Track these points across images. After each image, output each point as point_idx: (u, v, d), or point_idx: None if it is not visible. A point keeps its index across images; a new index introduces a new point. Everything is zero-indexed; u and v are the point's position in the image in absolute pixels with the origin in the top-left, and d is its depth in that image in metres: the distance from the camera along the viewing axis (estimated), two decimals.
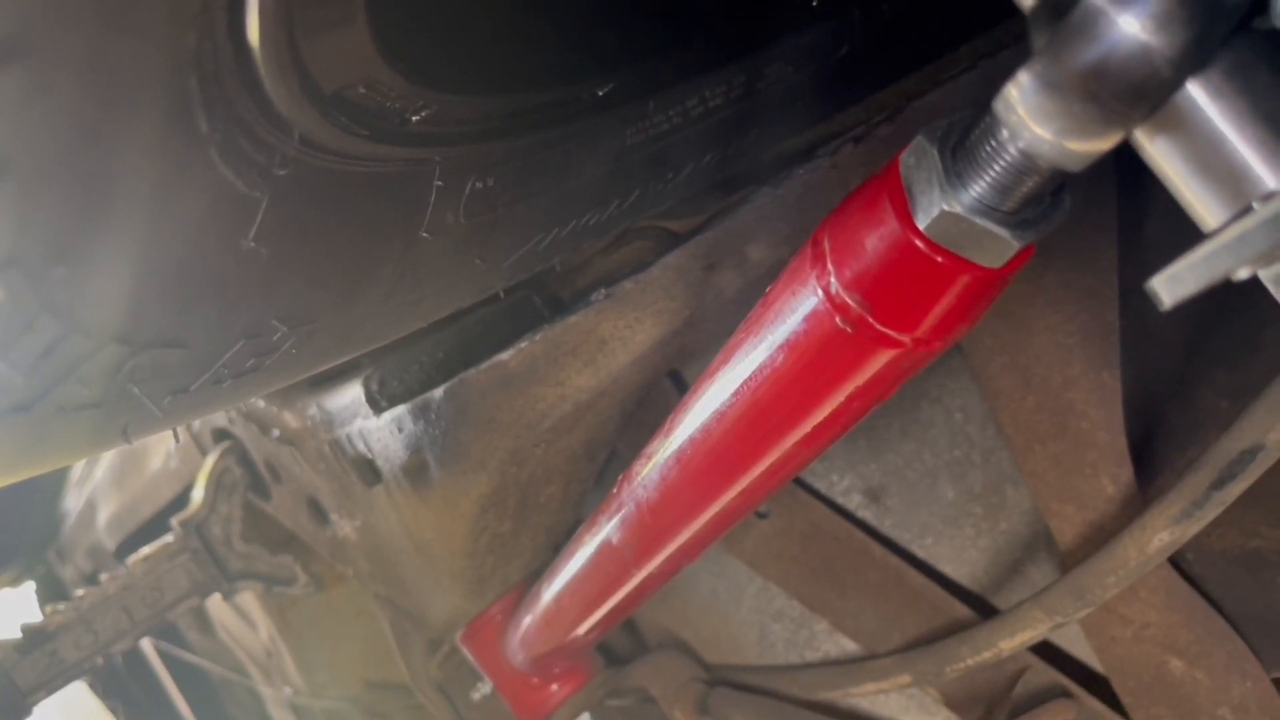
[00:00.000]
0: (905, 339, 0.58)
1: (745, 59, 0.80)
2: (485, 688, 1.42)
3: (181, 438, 1.49)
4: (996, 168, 0.49)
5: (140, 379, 0.53)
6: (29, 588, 2.46)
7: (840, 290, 0.58)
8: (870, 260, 0.56)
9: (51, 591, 2.40)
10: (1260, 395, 0.75)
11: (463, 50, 0.63)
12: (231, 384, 0.61)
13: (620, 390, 1.01)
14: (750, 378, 0.69)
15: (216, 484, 1.38)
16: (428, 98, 0.57)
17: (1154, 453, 0.94)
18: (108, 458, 1.87)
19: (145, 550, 1.40)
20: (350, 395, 1.05)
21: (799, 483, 1.15)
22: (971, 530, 1.09)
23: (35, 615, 1.37)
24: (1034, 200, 0.51)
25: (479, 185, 0.66)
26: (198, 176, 0.47)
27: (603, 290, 0.95)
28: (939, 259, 0.54)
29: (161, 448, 1.63)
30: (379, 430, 1.04)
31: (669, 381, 1.12)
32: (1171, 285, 0.39)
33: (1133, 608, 0.94)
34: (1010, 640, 0.92)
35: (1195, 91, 0.39)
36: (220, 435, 1.38)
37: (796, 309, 0.62)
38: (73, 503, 2.15)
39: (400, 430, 1.02)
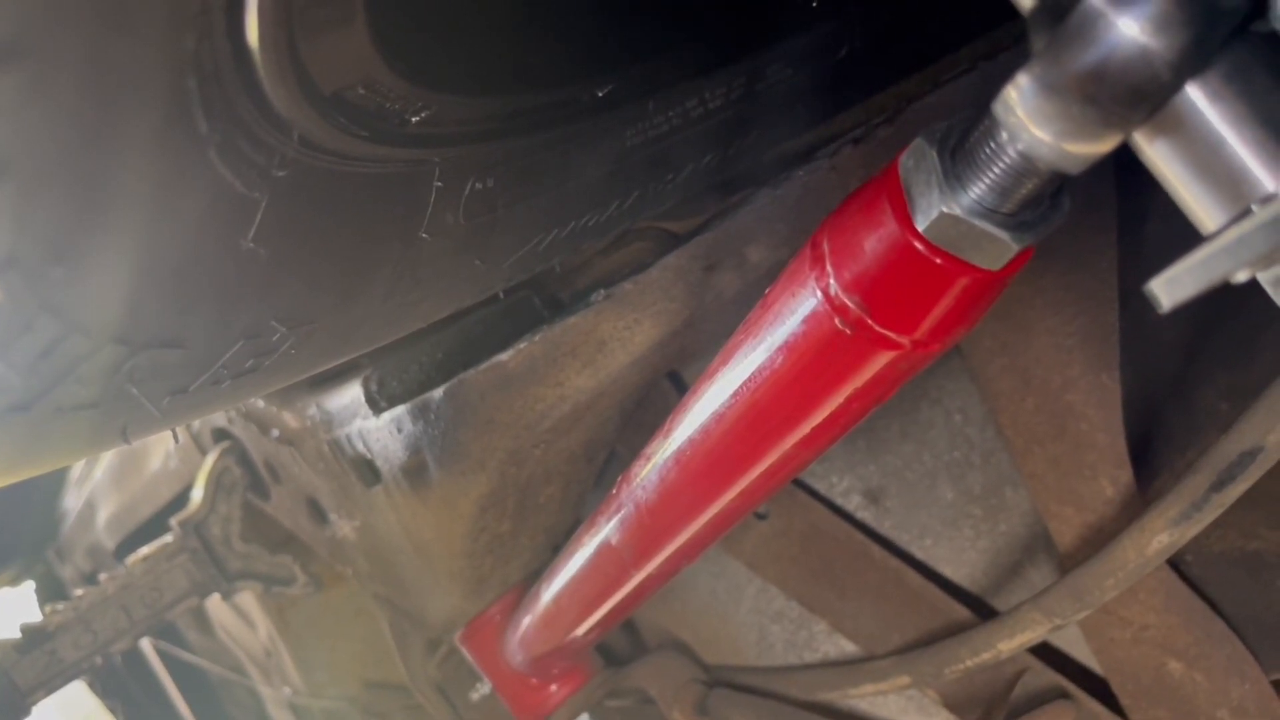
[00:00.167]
0: (904, 341, 0.58)
1: (745, 60, 0.80)
2: (484, 688, 1.42)
3: (181, 438, 1.49)
4: (995, 170, 0.49)
5: (139, 379, 0.53)
6: (28, 587, 2.46)
7: (839, 292, 0.58)
8: (869, 262, 0.56)
9: (51, 591, 2.40)
10: (1260, 397, 0.75)
11: (462, 51, 0.63)
12: (230, 384, 0.61)
13: (619, 391, 1.01)
14: (749, 379, 0.69)
15: (216, 484, 1.38)
16: (427, 98, 0.57)
17: (1153, 454, 0.94)
18: (107, 457, 1.87)
19: (144, 550, 1.40)
20: (350, 395, 1.05)
21: (798, 484, 1.15)
22: (971, 532, 1.09)
23: (34, 615, 1.37)
24: (1033, 202, 0.51)
25: (478, 186, 0.66)
26: (197, 177, 0.47)
27: (602, 291, 0.95)
28: (938, 261, 0.54)
29: (161, 448, 1.63)
30: (378, 430, 1.04)
31: (668, 382, 1.12)
32: (1170, 288, 0.39)
33: (1132, 609, 0.94)
34: (1009, 642, 0.92)
35: (1194, 94, 0.39)
36: (220, 435, 1.38)
37: (796, 310, 0.62)
38: (72, 502, 2.15)
39: (399, 430, 1.02)
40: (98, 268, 0.45)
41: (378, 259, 0.63)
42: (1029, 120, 0.40)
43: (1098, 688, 1.01)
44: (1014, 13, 0.43)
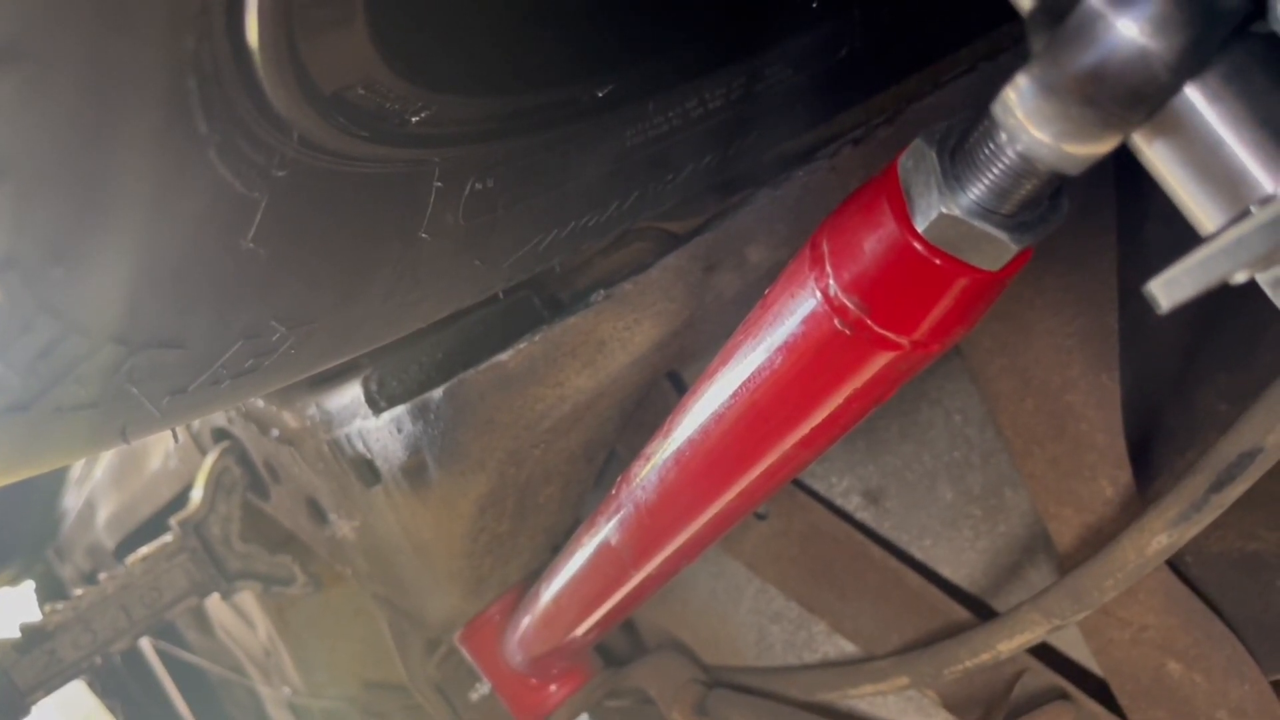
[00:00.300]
0: (903, 341, 0.58)
1: (745, 60, 0.80)
2: (483, 688, 1.42)
3: (181, 437, 1.49)
4: (995, 171, 0.49)
5: (138, 379, 0.53)
6: (28, 586, 2.46)
7: (839, 292, 0.58)
8: (869, 263, 0.56)
9: (50, 590, 2.40)
10: (1259, 398, 0.75)
11: (462, 51, 0.63)
12: (230, 384, 0.61)
13: (619, 391, 1.01)
14: (749, 379, 0.69)
15: (215, 484, 1.38)
16: (427, 99, 0.57)
17: (1153, 455, 0.94)
18: (107, 457, 1.87)
19: (144, 550, 1.40)
20: (349, 395, 1.05)
21: (798, 484, 1.15)
22: (970, 532, 1.09)
23: (34, 614, 1.37)
24: (1032, 203, 0.51)
25: (478, 186, 0.66)
26: (196, 177, 0.47)
27: (602, 291, 0.95)
28: (937, 261, 0.54)
29: (161, 447, 1.63)
30: (378, 430, 1.04)
31: (668, 383, 1.12)
32: (1169, 289, 0.39)
33: (1131, 610, 0.94)
34: (1009, 642, 0.92)
35: (1193, 95, 0.39)
36: (219, 435, 1.38)
37: (795, 311, 0.62)
38: (72, 501, 2.15)
39: (399, 430, 1.02)
40: (97, 268, 0.45)
41: (377, 259, 0.63)
42: (1028, 121, 0.40)
43: (1097, 688, 1.01)
44: (1014, 13, 0.43)
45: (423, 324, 0.76)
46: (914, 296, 0.56)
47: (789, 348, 0.64)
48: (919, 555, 1.12)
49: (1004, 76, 0.40)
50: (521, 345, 0.96)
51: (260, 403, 1.20)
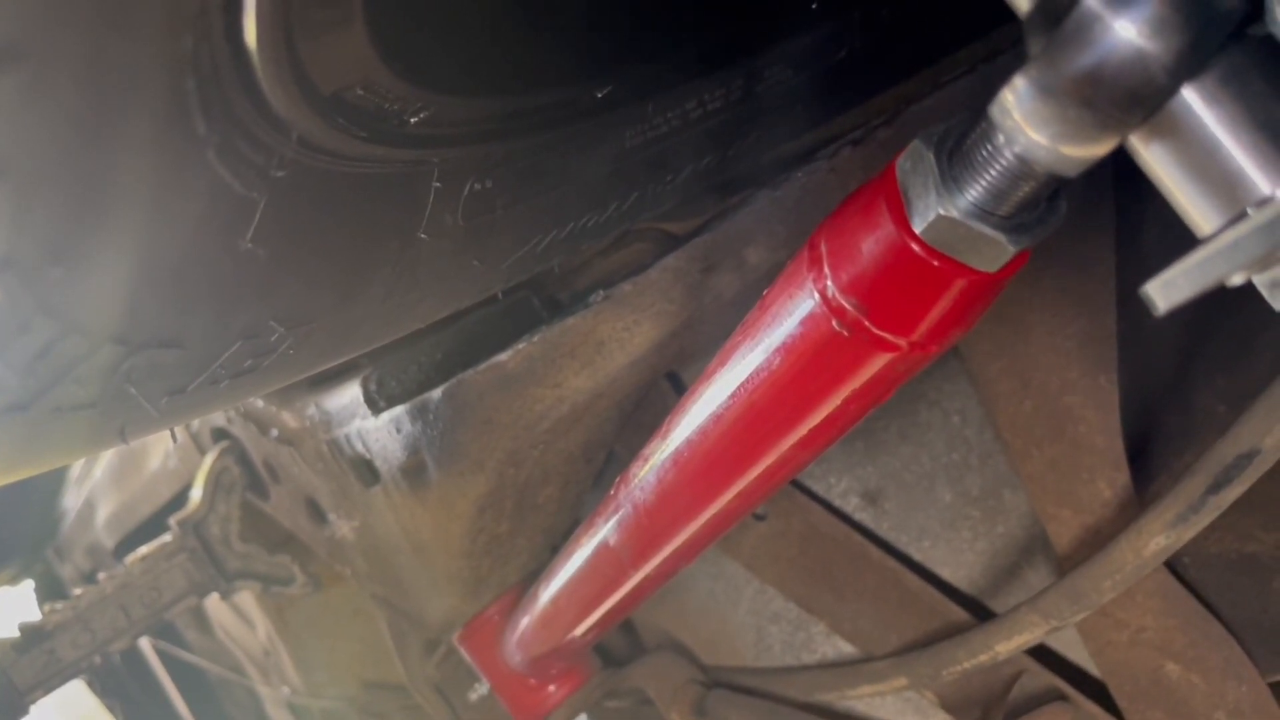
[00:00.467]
0: (901, 343, 0.58)
1: (744, 62, 0.80)
2: (482, 688, 1.42)
3: (180, 437, 1.49)
4: (992, 172, 0.49)
5: (137, 379, 0.53)
6: (27, 586, 2.46)
7: (837, 294, 0.58)
8: (867, 264, 0.56)
9: (50, 590, 2.40)
10: (1257, 400, 0.75)
11: (461, 52, 0.63)
12: (229, 384, 0.61)
13: (618, 392, 1.01)
14: (747, 380, 0.69)
15: (215, 483, 1.38)
16: (426, 99, 0.57)
17: (1151, 457, 0.94)
18: (107, 456, 1.87)
19: (143, 550, 1.40)
20: (349, 395, 1.05)
21: (797, 485, 1.15)
22: (969, 533, 1.09)
23: (33, 614, 1.37)
24: (1030, 205, 0.51)
25: (477, 187, 0.66)
26: (195, 178, 0.47)
27: (601, 292, 0.95)
28: (935, 263, 0.54)
29: (160, 447, 1.63)
30: (377, 431, 1.04)
31: (667, 383, 1.12)
32: (1166, 291, 0.39)
33: (1129, 612, 0.94)
34: (1007, 643, 0.92)
35: (1190, 97, 0.39)
36: (219, 435, 1.39)
37: (793, 312, 0.62)
38: (72, 501, 2.15)
39: (398, 431, 1.02)
40: (96, 268, 0.45)
41: (376, 259, 0.63)
42: (1026, 123, 0.41)
43: (1095, 690, 1.01)
44: (1013, 15, 0.43)
45: (422, 324, 0.76)
46: (912, 298, 0.56)
47: (787, 349, 0.64)
48: (917, 556, 1.12)
49: (1002, 78, 0.41)
50: (520, 346, 0.96)
51: (259, 403, 1.20)
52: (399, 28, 0.54)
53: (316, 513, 1.25)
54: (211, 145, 0.46)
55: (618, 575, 0.98)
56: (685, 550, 0.91)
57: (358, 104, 0.54)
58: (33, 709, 1.33)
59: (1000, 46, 0.94)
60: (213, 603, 1.92)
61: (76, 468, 2.08)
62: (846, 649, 1.18)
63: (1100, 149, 0.40)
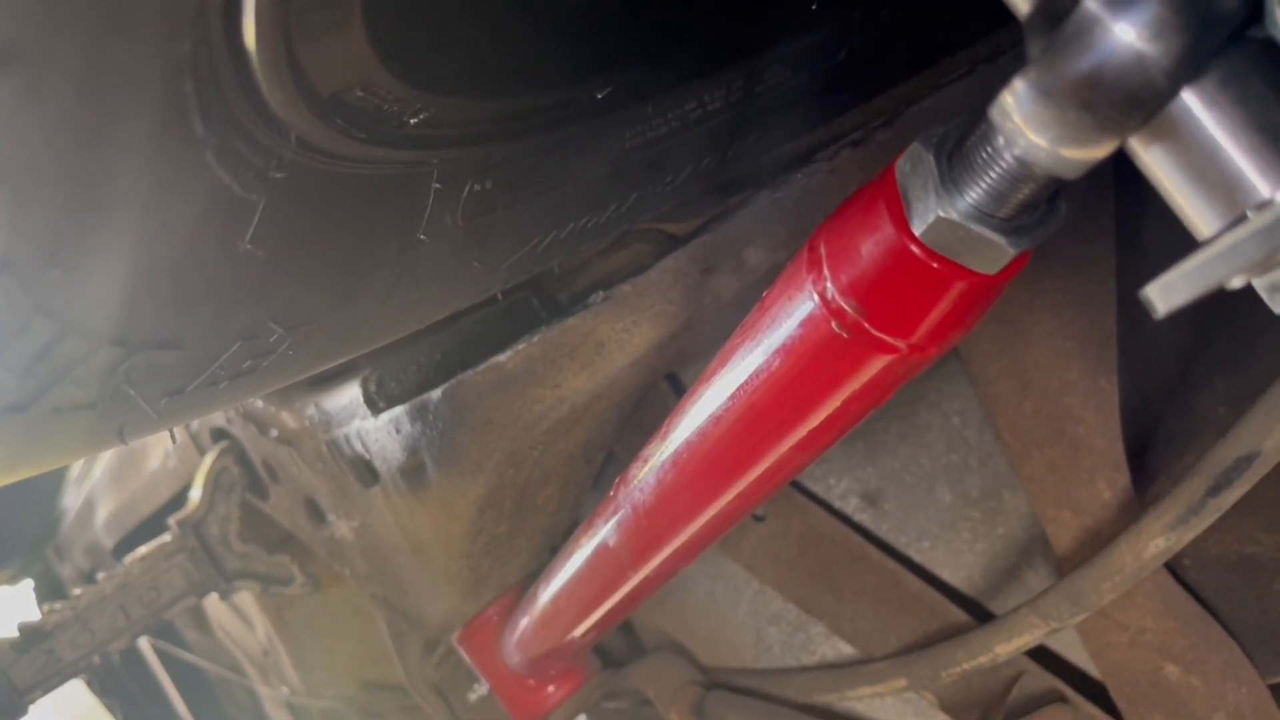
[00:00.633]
0: (901, 345, 0.58)
1: (744, 63, 0.80)
2: (482, 689, 1.42)
3: (179, 437, 1.49)
4: (992, 174, 0.49)
5: (136, 380, 0.53)
6: (27, 585, 2.46)
7: (836, 295, 0.58)
8: (866, 266, 0.56)
9: (49, 589, 2.40)
10: (1257, 402, 0.75)
11: (461, 53, 0.63)
12: (228, 385, 0.61)
13: (617, 393, 1.01)
14: (747, 382, 0.69)
15: (214, 483, 1.38)
16: (425, 100, 0.57)
17: (1151, 458, 0.94)
18: (106, 456, 1.87)
19: (142, 550, 1.40)
20: (348, 396, 1.05)
21: (796, 486, 1.15)
22: (968, 535, 1.09)
23: (33, 613, 1.37)
24: (1030, 207, 0.51)
25: (477, 188, 0.66)
26: (194, 179, 0.47)
27: (600, 293, 0.95)
28: (935, 265, 0.54)
29: (160, 447, 1.63)
30: (377, 431, 1.04)
31: (666, 384, 1.12)
32: (1165, 294, 0.39)
33: (1129, 613, 0.94)
34: (1006, 645, 0.92)
35: (1190, 100, 0.39)
36: (218, 435, 1.39)
37: (793, 314, 0.62)
38: (71, 501, 2.15)
39: (398, 431, 1.02)
40: (94, 270, 0.45)
41: (376, 260, 0.63)
42: (1025, 125, 0.40)
43: (1094, 691, 1.01)
44: (1013, 16, 0.43)
45: (421, 325, 0.76)
46: (911, 300, 0.56)
47: (787, 350, 0.64)
48: (917, 557, 1.12)
49: (1003, 79, 0.40)
50: (520, 346, 0.96)
51: (259, 403, 1.20)
52: (398, 29, 0.54)
53: (316, 513, 1.25)
54: (210, 147, 0.46)
55: (617, 576, 0.98)
56: (684, 551, 0.91)
57: (357, 105, 0.54)
58: (32, 709, 1.33)
59: (1001, 47, 0.94)
60: (212, 603, 1.92)
61: (76, 467, 2.08)
62: (846, 650, 1.18)
63: (1100, 152, 0.40)
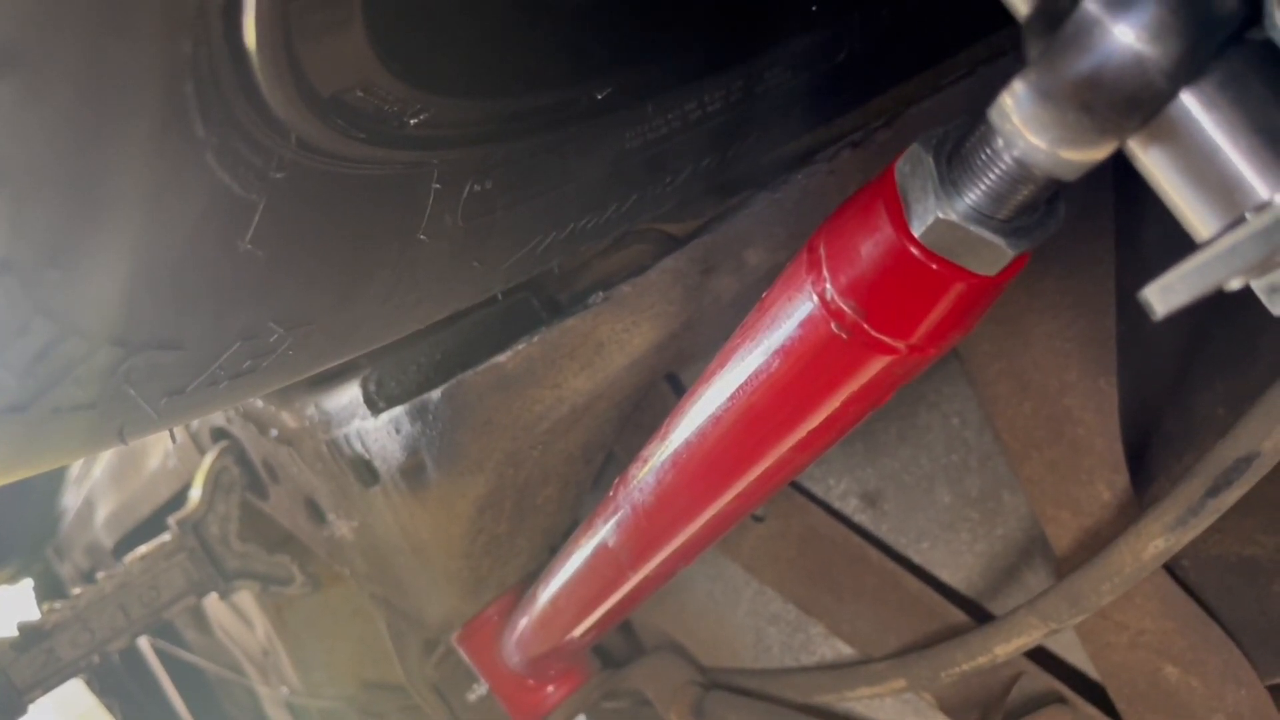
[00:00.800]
0: (900, 346, 0.58)
1: (744, 63, 0.80)
2: (481, 689, 1.42)
3: (179, 437, 1.49)
4: (991, 176, 0.49)
5: (136, 380, 0.53)
6: (26, 585, 2.47)
7: (835, 296, 0.58)
8: (865, 267, 0.56)
9: (49, 589, 2.41)
10: (1256, 403, 0.75)
11: (461, 53, 0.63)
12: (228, 385, 0.61)
13: (617, 393, 1.01)
14: (746, 382, 0.69)
15: (214, 483, 1.38)
16: (425, 101, 0.57)
17: (1150, 459, 0.94)
18: (106, 456, 1.87)
19: (142, 549, 1.40)
20: (348, 396, 1.05)
21: (796, 486, 1.15)
22: (968, 535, 1.09)
23: (32, 613, 1.37)
24: (1029, 208, 0.51)
25: (477, 188, 0.66)
26: (194, 180, 0.47)
27: (600, 293, 0.95)
28: (934, 266, 0.54)
29: (160, 446, 1.63)
30: (376, 431, 1.04)
31: (666, 385, 1.12)
32: (1164, 295, 0.39)
33: (1128, 614, 0.94)
34: (1005, 646, 0.92)
35: (1189, 102, 0.39)
36: (218, 434, 1.39)
37: (792, 314, 0.62)
38: (71, 500, 2.15)
39: (398, 431, 1.02)
40: (94, 271, 0.45)
41: (376, 261, 0.63)
42: (1024, 127, 0.41)
43: (1093, 692, 1.01)
44: (1013, 17, 0.43)
45: (421, 325, 0.76)
46: (910, 301, 0.56)
47: (786, 351, 0.64)
48: (916, 558, 1.12)
49: (1002, 80, 0.41)
50: (520, 347, 0.96)
51: (259, 403, 1.20)
52: (398, 29, 0.54)
53: (315, 513, 1.25)
54: (210, 147, 0.46)
55: (616, 576, 0.98)
56: (684, 551, 0.91)
57: (357, 106, 0.54)
58: (31, 708, 1.33)
59: (1001, 48, 0.94)
60: (212, 602, 1.92)
61: (76, 467, 2.09)
62: (845, 650, 1.18)
63: (1099, 153, 0.40)
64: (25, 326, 0.45)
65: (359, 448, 1.06)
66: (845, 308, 0.58)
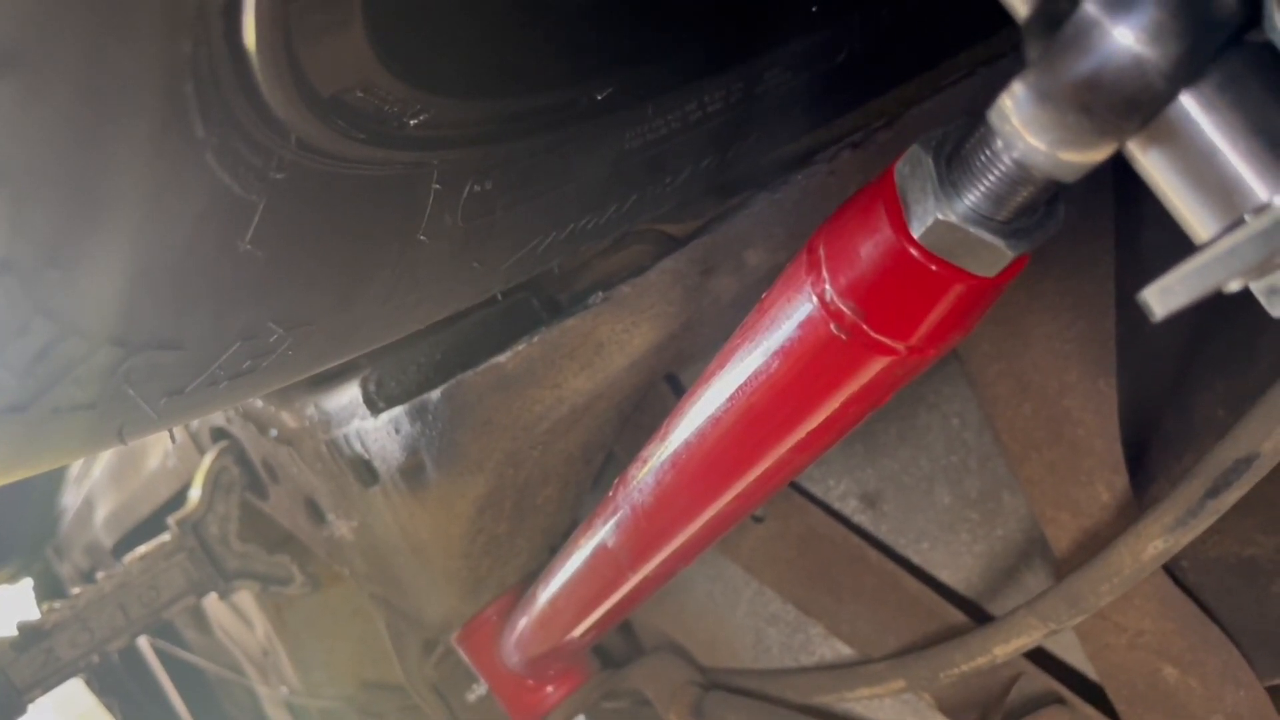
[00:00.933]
0: (899, 347, 0.58)
1: (744, 64, 0.80)
2: (480, 689, 1.42)
3: (179, 437, 1.49)
4: (991, 177, 0.49)
5: (135, 381, 0.53)
6: (26, 584, 2.47)
7: (835, 297, 0.58)
8: (865, 268, 0.56)
9: (49, 588, 2.41)
10: (1256, 403, 0.75)
11: (461, 54, 0.63)
12: (227, 385, 0.61)
13: (617, 393, 1.01)
14: (746, 383, 0.69)
15: (214, 483, 1.38)
16: (425, 101, 0.58)
17: (1150, 460, 0.94)
18: (106, 456, 1.87)
19: (142, 549, 1.40)
20: (348, 396, 1.05)
21: (795, 487, 1.15)
22: (967, 536, 1.09)
23: (32, 612, 1.37)
24: (1029, 210, 0.51)
25: (477, 188, 0.66)
26: (194, 180, 0.47)
27: (600, 293, 0.95)
28: (933, 268, 0.54)
29: (160, 446, 1.63)
30: (376, 431, 1.04)
31: (665, 385, 1.12)
32: (1163, 297, 0.39)
33: (1127, 615, 0.94)
34: (1005, 646, 0.92)
35: (1188, 104, 0.39)
36: (218, 434, 1.39)
37: (792, 315, 0.62)
38: (71, 500, 2.15)
39: (397, 431, 1.02)
40: (94, 271, 0.45)
41: (376, 261, 0.63)
42: (1024, 128, 0.41)
43: (1092, 693, 1.01)
44: (1012, 19, 0.43)
45: (421, 325, 0.76)
46: (910, 302, 0.56)
47: (785, 352, 0.64)
48: (916, 559, 1.12)
49: (1003, 82, 0.41)
50: (520, 347, 0.96)
51: (259, 403, 1.20)
52: (398, 30, 0.54)
53: (315, 513, 1.25)
54: (210, 148, 0.46)
55: (616, 576, 0.98)
56: (684, 552, 0.91)
57: (357, 106, 0.54)
58: (31, 707, 1.33)
59: (1001, 49, 0.94)
60: (211, 602, 1.92)
61: (75, 466, 2.09)
62: (845, 651, 1.18)
63: (1098, 155, 0.41)
64: (25, 326, 0.45)
65: (359, 448, 1.06)
66: (845, 309, 0.58)
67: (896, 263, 0.54)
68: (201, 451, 1.42)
